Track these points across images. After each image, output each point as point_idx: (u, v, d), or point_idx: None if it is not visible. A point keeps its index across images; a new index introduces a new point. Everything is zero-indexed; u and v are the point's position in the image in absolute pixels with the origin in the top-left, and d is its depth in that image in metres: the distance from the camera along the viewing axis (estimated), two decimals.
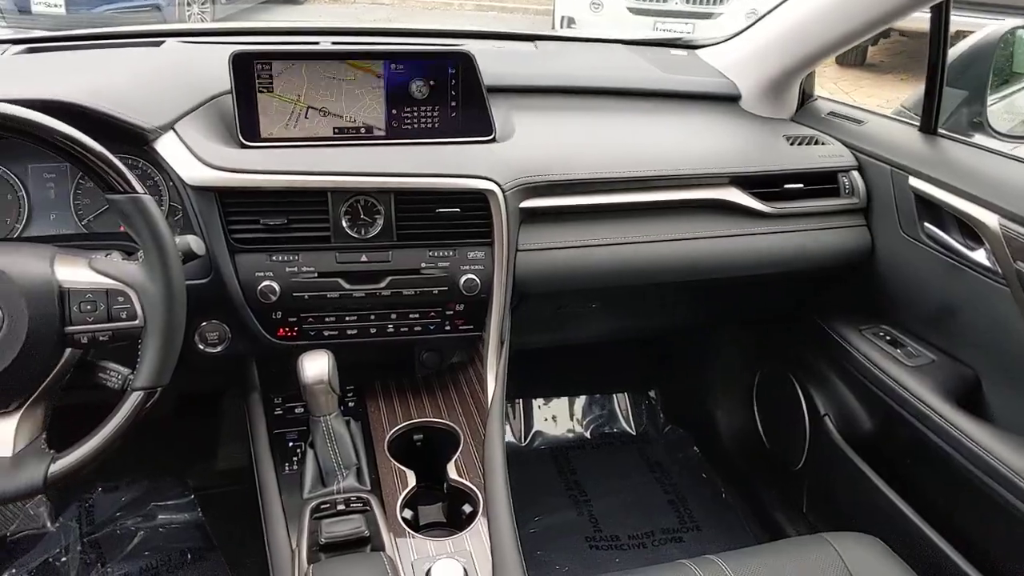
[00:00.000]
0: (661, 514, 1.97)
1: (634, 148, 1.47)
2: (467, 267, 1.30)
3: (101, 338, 0.98)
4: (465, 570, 1.01)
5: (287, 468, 1.23)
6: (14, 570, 1.71)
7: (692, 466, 2.13)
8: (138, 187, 0.98)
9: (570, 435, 2.20)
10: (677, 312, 1.71)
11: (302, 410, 1.36)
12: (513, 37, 1.88)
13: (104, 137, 0.99)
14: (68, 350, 0.98)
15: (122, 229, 1.33)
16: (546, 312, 1.48)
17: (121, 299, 0.98)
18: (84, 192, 1.32)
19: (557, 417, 2.24)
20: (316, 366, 1.16)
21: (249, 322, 1.26)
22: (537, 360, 1.84)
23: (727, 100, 1.68)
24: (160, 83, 1.33)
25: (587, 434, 2.21)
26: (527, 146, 1.39)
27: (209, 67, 1.38)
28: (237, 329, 1.28)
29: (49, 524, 1.82)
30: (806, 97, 1.73)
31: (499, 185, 1.29)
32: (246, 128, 1.29)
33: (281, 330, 1.29)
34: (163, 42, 1.54)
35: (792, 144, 1.56)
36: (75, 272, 0.98)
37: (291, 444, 1.28)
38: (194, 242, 1.11)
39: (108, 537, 1.81)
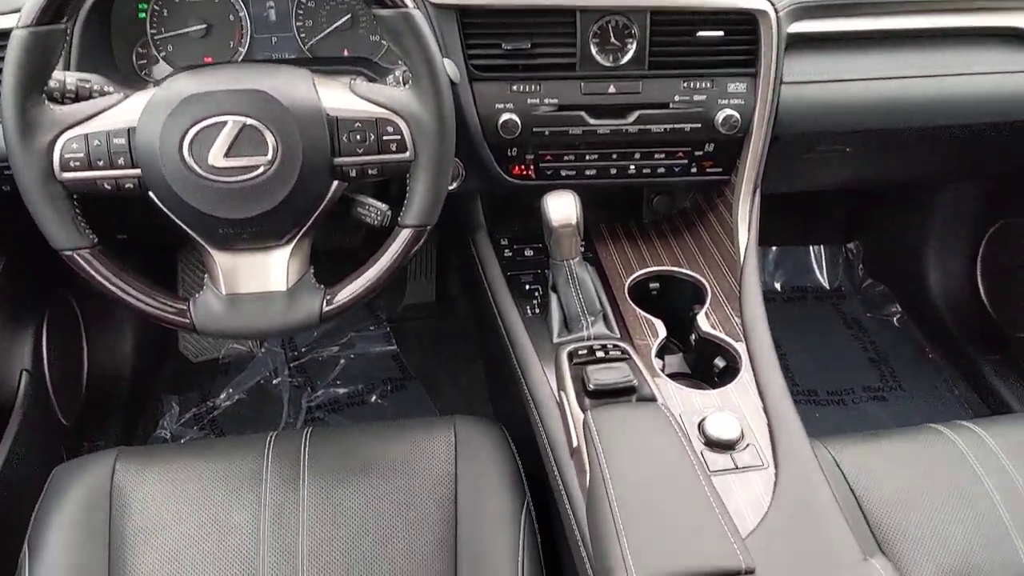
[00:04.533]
0: (861, 371, 1.88)
1: None
2: (725, 101, 1.17)
3: (370, 171, 0.93)
4: (741, 426, 0.95)
5: (528, 311, 1.19)
6: (231, 389, 1.81)
7: (893, 325, 2.00)
8: (409, 2, 0.89)
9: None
10: (931, 161, 1.52)
11: (532, 253, 1.31)
12: None
13: None
14: (335, 183, 0.94)
15: (346, 53, 1.26)
16: (793, 155, 1.33)
17: (391, 129, 0.91)
18: (306, 12, 1.24)
19: None
20: (563, 207, 1.08)
21: (485, 159, 1.19)
22: None
23: None
24: None
25: (778, 286, 2.10)
26: None
27: None
28: (472, 165, 1.21)
29: (256, 349, 1.91)
30: None
31: (772, 3, 1.13)
32: None
33: (517, 168, 1.22)
34: None
35: None
36: (340, 98, 0.91)
37: (527, 287, 1.23)
38: (450, 67, 1.02)
39: (313, 363, 1.88)
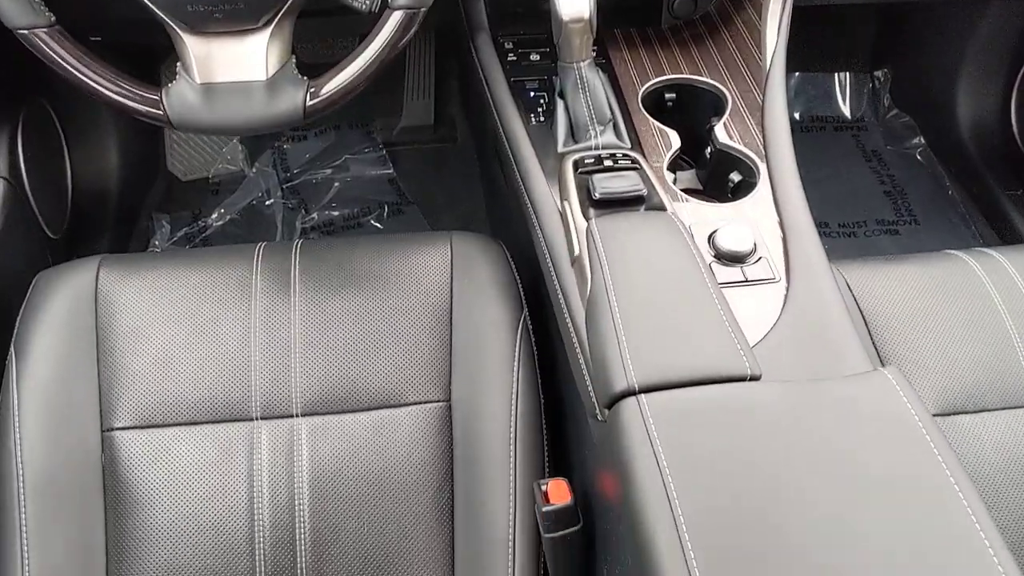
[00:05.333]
0: (875, 204, 1.81)
1: None
2: None
3: None
4: (754, 239, 0.90)
5: (532, 120, 1.10)
6: (222, 209, 1.75)
7: (914, 157, 1.91)
8: None
9: None
10: None
11: (537, 57, 1.20)
12: None
13: None
14: None
15: None
16: None
17: None
18: None
19: None
20: (575, 0, 0.97)
21: None
22: None
23: None
24: None
25: (797, 115, 1.98)
26: None
27: None
28: None
29: (247, 168, 1.83)
30: None
31: None
32: None
33: None
34: None
35: None
36: None
37: (532, 94, 1.14)
38: None
39: (306, 185, 1.81)
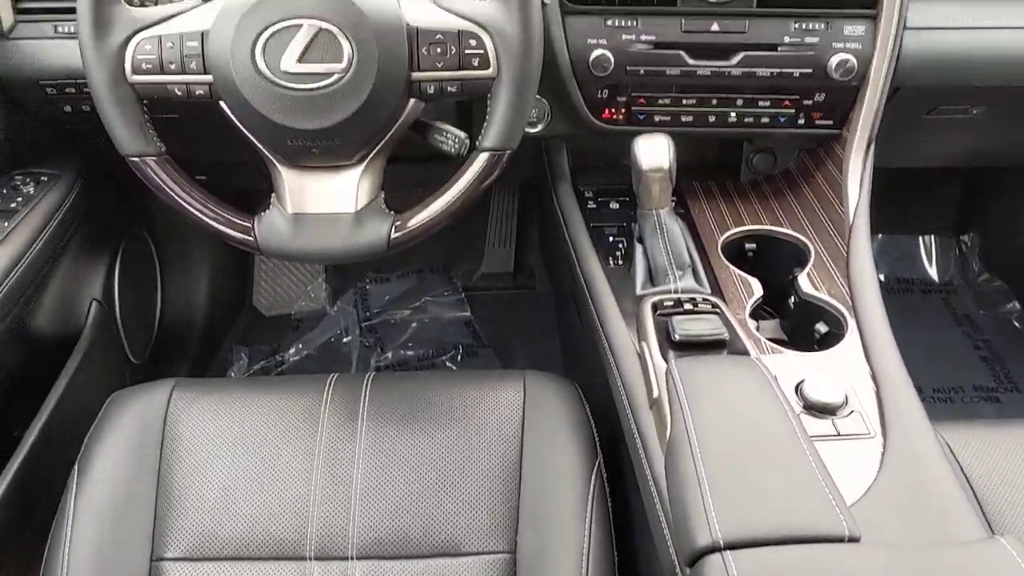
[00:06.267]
0: (972, 370, 1.71)
1: None
2: (840, 44, 1.06)
3: (449, 89, 0.86)
4: (845, 391, 0.85)
5: (611, 263, 1.10)
6: (300, 344, 1.79)
7: (1010, 323, 1.82)
8: None
9: None
10: None
11: (617, 206, 1.22)
12: None
13: None
14: (412, 101, 0.88)
15: None
16: (912, 115, 1.21)
17: (473, 42, 0.84)
18: None
19: None
20: (655, 150, 1.00)
21: (574, 98, 1.11)
22: None
23: None
24: None
25: (881, 276, 1.94)
26: None
27: None
28: (559, 106, 1.14)
29: (328, 307, 1.88)
30: None
31: None
32: None
33: (607, 111, 1.14)
34: None
35: None
36: (422, 9, 0.86)
37: (611, 239, 1.15)
38: None
39: (384, 324, 1.84)
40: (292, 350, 1.77)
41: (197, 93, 0.86)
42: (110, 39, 0.83)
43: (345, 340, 1.79)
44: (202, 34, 0.84)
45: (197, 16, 0.85)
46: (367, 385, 1.02)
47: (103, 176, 1.30)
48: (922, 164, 1.51)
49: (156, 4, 0.93)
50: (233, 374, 1.71)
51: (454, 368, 1.75)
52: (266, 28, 0.81)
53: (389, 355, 1.76)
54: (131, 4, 0.88)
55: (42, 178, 1.21)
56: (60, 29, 1.11)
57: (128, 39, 0.84)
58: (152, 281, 1.57)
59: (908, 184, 1.89)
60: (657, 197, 1.02)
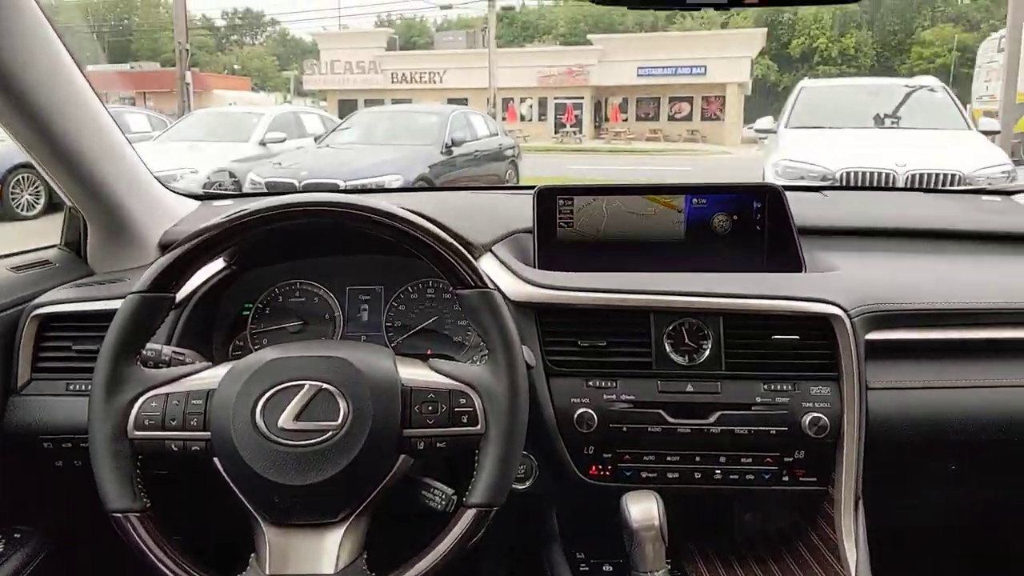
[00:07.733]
0: None
1: (991, 282, 1.25)
2: (810, 404, 1.12)
3: (438, 444, 0.89)
4: None
5: None
6: None
7: None
8: (488, 283, 0.93)
9: None
10: None
11: (610, 568, 1.18)
12: (806, 189, 1.79)
13: None
14: (402, 457, 0.90)
15: (429, 353, 1.30)
16: (897, 472, 1.22)
17: (463, 401, 0.89)
18: (396, 314, 1.31)
19: None
20: (644, 508, 1.00)
21: (560, 454, 1.14)
22: None
23: None
24: (473, 216, 1.35)
25: None
26: (863, 278, 1.22)
27: (508, 208, 1.40)
28: (545, 462, 1.16)
29: None
30: None
31: (845, 311, 1.13)
32: (543, 260, 1.26)
33: (594, 468, 1.16)
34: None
35: None
36: (417, 371, 0.92)
37: None
38: (527, 352, 1.02)
39: None
40: None
41: (193, 449, 0.88)
42: (120, 396, 0.88)
43: None
44: (208, 392, 0.89)
45: (205, 376, 0.91)
46: None
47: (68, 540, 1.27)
48: (924, 523, 1.48)
49: (168, 366, 0.99)
50: None
51: None
52: (270, 388, 0.86)
53: None
54: (146, 366, 0.95)
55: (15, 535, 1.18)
56: (72, 387, 1.17)
57: (136, 397, 0.88)
58: None
59: (917, 546, 1.83)
60: (652, 559, 0.99)
